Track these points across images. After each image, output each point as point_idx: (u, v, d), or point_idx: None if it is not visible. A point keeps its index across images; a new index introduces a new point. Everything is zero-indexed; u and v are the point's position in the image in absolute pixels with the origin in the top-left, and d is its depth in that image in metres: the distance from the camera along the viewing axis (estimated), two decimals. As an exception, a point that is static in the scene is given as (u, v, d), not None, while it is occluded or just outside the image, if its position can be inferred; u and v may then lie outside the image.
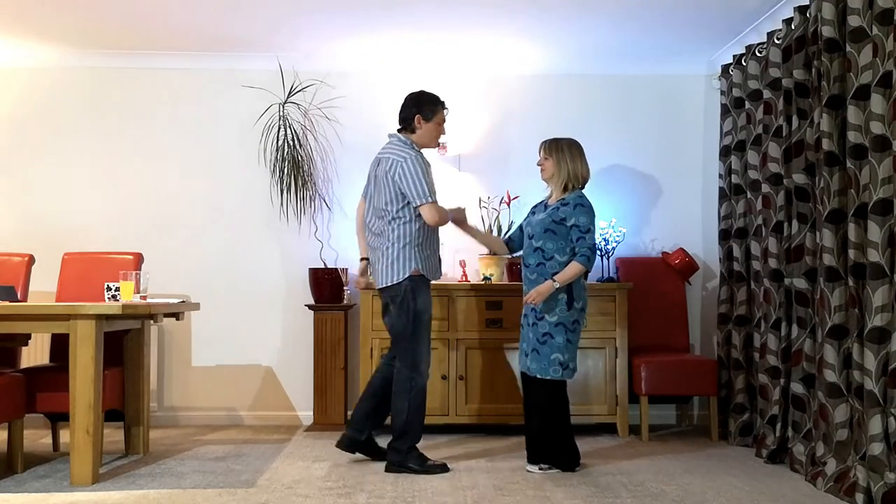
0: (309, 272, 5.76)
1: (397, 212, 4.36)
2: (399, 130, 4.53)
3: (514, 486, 4.08)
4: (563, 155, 4.45)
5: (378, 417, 4.60)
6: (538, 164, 4.54)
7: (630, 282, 5.58)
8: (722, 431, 5.37)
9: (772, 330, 4.81)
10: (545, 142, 4.54)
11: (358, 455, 4.65)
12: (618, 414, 5.42)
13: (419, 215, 4.36)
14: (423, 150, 4.51)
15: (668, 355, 5.54)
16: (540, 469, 4.37)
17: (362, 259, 4.68)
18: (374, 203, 4.48)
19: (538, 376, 4.35)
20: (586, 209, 4.38)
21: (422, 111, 4.45)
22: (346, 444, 4.59)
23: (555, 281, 4.31)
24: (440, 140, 4.64)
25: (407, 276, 4.35)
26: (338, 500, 3.81)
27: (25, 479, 4.26)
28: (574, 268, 4.32)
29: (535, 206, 4.62)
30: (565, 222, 4.37)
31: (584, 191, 4.49)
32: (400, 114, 4.51)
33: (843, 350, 4.06)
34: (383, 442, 4.60)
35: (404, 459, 4.37)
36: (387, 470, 4.38)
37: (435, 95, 4.52)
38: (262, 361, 6.06)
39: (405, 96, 4.54)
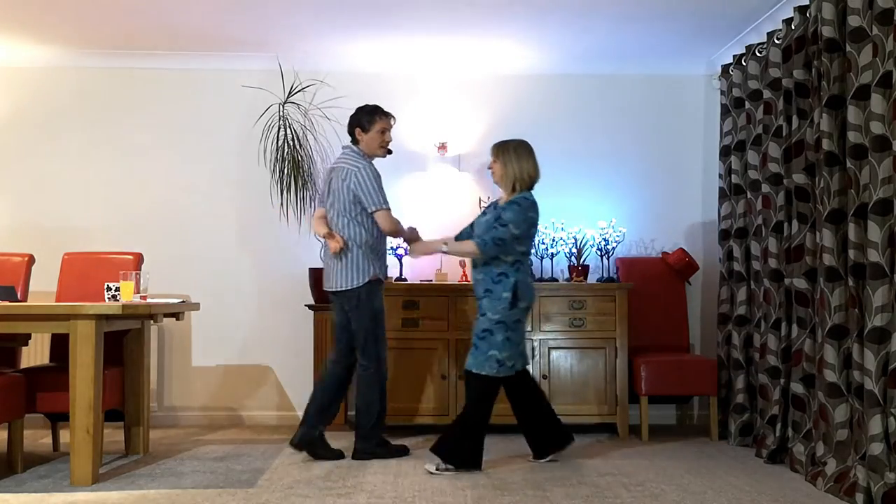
0: (309, 272, 5.76)
1: (354, 217, 4.62)
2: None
3: (514, 485, 4.08)
4: (510, 156, 4.48)
5: (331, 415, 4.78)
6: (488, 168, 4.60)
7: (630, 282, 5.58)
8: (722, 431, 5.37)
9: (772, 330, 4.81)
10: (494, 145, 4.58)
11: (303, 454, 4.75)
12: (618, 414, 5.42)
13: (374, 221, 4.64)
14: (376, 160, 4.77)
15: (668, 355, 5.54)
16: (437, 469, 4.36)
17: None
18: (333, 209, 4.69)
19: (473, 371, 4.39)
20: (520, 208, 4.39)
21: (360, 123, 4.73)
22: (300, 440, 4.70)
23: (445, 244, 4.53)
24: (387, 146, 4.80)
25: (366, 281, 4.60)
26: (338, 500, 3.81)
27: (25, 479, 4.26)
28: (467, 245, 4.46)
29: (488, 207, 4.69)
30: None
31: (532, 191, 4.50)
32: (347, 129, 4.80)
33: (843, 350, 4.06)
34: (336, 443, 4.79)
35: (373, 447, 4.68)
36: (355, 457, 4.67)
37: (374, 106, 4.78)
38: (262, 361, 6.06)
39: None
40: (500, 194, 5.90)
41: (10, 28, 5.50)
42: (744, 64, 5.27)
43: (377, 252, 4.69)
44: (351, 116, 4.78)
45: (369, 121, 4.71)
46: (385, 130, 4.74)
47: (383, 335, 4.73)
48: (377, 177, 4.64)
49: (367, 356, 4.65)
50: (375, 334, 4.66)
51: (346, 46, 5.82)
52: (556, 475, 4.30)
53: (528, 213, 4.39)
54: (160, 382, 5.99)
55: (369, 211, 4.60)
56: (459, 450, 4.37)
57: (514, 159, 4.46)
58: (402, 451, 4.78)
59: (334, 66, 6.03)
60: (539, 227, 5.78)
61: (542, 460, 4.61)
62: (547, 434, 4.61)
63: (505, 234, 4.35)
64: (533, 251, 5.78)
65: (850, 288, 3.95)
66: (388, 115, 4.77)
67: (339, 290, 4.65)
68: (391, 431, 5.55)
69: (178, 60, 6.05)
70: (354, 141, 4.75)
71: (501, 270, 4.38)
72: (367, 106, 4.78)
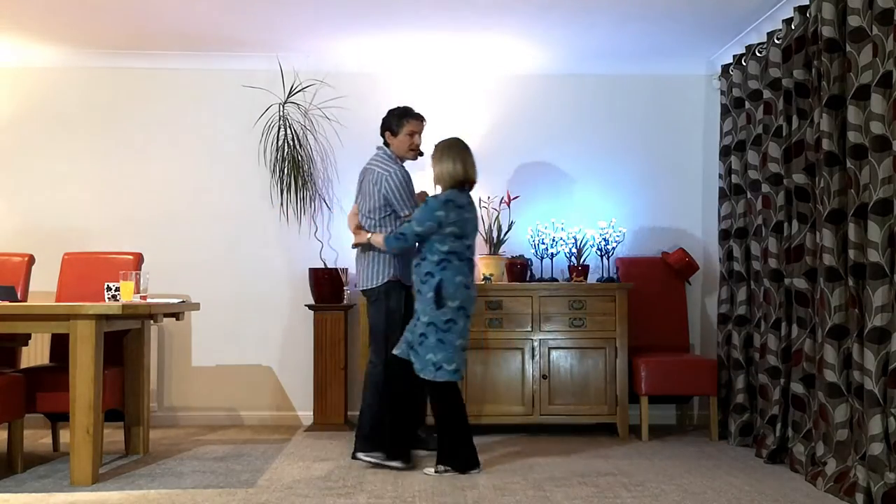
0: (309, 272, 5.76)
1: (381, 219, 4.68)
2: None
3: (514, 485, 4.08)
4: (436, 157, 4.47)
5: (414, 416, 4.66)
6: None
7: (630, 282, 5.58)
8: (722, 431, 5.37)
9: (772, 330, 4.81)
10: None
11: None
12: (618, 414, 5.41)
13: (399, 224, 4.66)
14: (407, 162, 4.83)
15: (668, 355, 5.55)
16: (436, 472, 4.33)
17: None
18: (361, 209, 4.78)
19: (421, 376, 4.34)
20: (427, 206, 4.36)
21: (390, 127, 4.79)
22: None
23: (370, 234, 4.60)
24: (417, 148, 4.85)
25: (386, 281, 4.66)
26: (338, 500, 3.81)
27: (25, 479, 4.26)
28: (380, 237, 4.54)
29: None
30: None
31: (464, 190, 4.43)
32: (379, 131, 4.84)
33: (843, 350, 4.06)
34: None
35: (373, 448, 4.53)
36: (354, 457, 4.59)
37: (403, 109, 4.79)
38: (262, 361, 6.06)
39: None
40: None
41: (9, 28, 5.50)
42: (744, 64, 5.27)
43: (400, 255, 4.67)
44: (382, 119, 4.80)
45: (398, 124, 4.74)
46: (414, 133, 4.77)
47: (396, 336, 4.68)
48: (408, 180, 4.70)
49: (376, 354, 4.68)
50: (386, 333, 4.67)
51: (347, 46, 5.82)
52: (556, 475, 4.30)
53: (434, 213, 4.32)
54: (160, 382, 5.99)
55: (401, 215, 4.65)
56: (457, 456, 4.35)
57: (437, 160, 4.45)
58: (404, 458, 4.72)
59: (334, 66, 6.03)
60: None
61: (363, 455, 4.50)
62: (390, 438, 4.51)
63: (406, 229, 4.40)
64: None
65: (850, 288, 3.95)
66: (418, 118, 4.78)
67: (361, 288, 4.75)
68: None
69: (178, 60, 6.05)
70: (386, 143, 4.79)
71: (428, 270, 4.35)
72: (396, 108, 4.79)
